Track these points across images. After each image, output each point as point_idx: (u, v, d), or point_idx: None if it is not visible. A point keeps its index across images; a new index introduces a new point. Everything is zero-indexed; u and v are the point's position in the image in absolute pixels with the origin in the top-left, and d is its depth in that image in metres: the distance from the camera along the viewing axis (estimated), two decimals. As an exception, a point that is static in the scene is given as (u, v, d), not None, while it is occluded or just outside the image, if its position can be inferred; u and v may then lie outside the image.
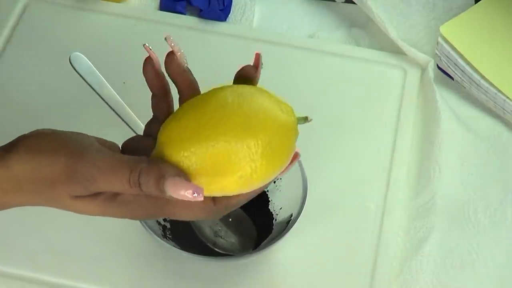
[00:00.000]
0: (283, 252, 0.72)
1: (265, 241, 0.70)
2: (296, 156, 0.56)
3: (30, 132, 0.56)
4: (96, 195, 0.54)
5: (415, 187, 0.77)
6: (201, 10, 0.88)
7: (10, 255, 0.72)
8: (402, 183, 0.77)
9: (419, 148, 0.80)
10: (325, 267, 0.72)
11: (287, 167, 0.56)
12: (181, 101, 0.57)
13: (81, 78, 0.73)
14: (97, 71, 0.72)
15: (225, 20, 0.89)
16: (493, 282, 0.72)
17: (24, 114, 0.80)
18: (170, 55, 0.57)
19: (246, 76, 0.57)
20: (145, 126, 0.59)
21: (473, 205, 0.76)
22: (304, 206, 0.68)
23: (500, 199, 0.76)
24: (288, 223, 0.68)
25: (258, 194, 0.56)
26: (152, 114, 0.59)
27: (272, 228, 0.71)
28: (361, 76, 0.85)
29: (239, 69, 0.57)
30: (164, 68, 0.57)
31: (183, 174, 0.52)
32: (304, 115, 0.56)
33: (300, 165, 0.70)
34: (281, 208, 0.72)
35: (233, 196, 0.55)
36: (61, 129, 0.56)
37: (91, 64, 0.73)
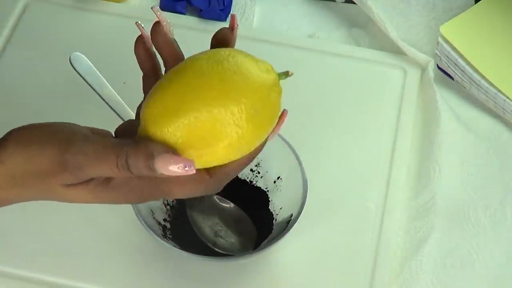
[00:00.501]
0: (283, 252, 0.72)
1: (265, 241, 0.70)
2: (284, 114, 0.55)
3: (20, 126, 0.56)
4: (88, 181, 0.53)
5: (415, 187, 0.77)
6: (201, 10, 0.89)
7: (10, 255, 0.72)
8: (402, 183, 0.77)
9: (419, 148, 0.80)
10: (325, 267, 0.72)
11: (277, 126, 0.55)
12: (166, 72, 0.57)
13: (81, 78, 0.73)
14: (97, 71, 0.72)
15: (225, 20, 0.89)
16: (493, 282, 0.72)
17: (24, 114, 0.80)
18: (156, 24, 0.57)
19: (222, 40, 0.57)
20: (137, 108, 0.59)
21: (473, 205, 0.76)
22: (304, 206, 0.68)
23: (500, 199, 0.76)
24: (288, 223, 0.68)
25: (251, 159, 0.55)
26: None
27: (272, 228, 0.71)
28: (361, 76, 0.85)
29: (213, 35, 0.57)
30: (151, 39, 0.57)
31: (172, 150, 0.51)
32: (284, 71, 0.55)
33: (300, 165, 0.70)
34: (281, 208, 0.72)
35: (226, 163, 0.54)
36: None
37: (91, 64, 0.73)
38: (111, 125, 0.69)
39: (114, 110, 0.71)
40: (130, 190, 0.54)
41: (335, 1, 0.92)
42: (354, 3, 0.90)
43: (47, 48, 0.86)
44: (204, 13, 0.88)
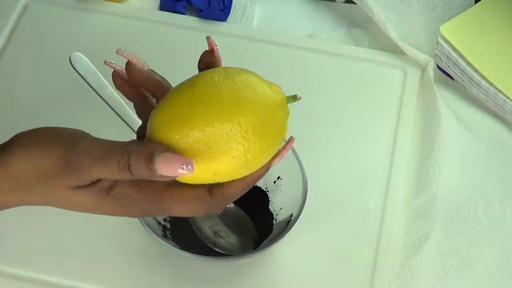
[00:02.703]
0: (283, 252, 0.72)
1: (265, 241, 0.70)
2: (291, 140, 0.56)
3: (26, 130, 0.56)
4: (91, 186, 0.53)
5: (415, 187, 0.77)
6: (201, 10, 0.89)
7: (10, 255, 0.72)
8: (402, 183, 0.77)
9: (419, 148, 0.80)
10: (325, 267, 0.72)
11: (282, 152, 0.55)
12: (158, 103, 0.57)
13: (81, 78, 0.73)
14: (97, 71, 0.73)
15: (225, 20, 0.89)
16: (493, 282, 0.72)
17: (24, 114, 0.80)
18: (128, 64, 0.57)
19: (207, 65, 0.57)
20: (137, 132, 0.59)
21: (473, 205, 0.76)
22: (304, 206, 0.68)
23: (500, 199, 0.76)
24: (288, 223, 0.68)
25: (253, 183, 0.55)
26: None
27: (272, 228, 0.71)
28: (361, 76, 0.85)
29: (199, 61, 0.57)
30: (129, 79, 0.58)
31: (173, 150, 0.51)
32: (293, 94, 0.55)
33: (300, 165, 0.70)
34: (281, 208, 0.72)
35: (228, 184, 0.54)
36: (60, 129, 0.56)
37: (91, 64, 0.73)
38: (111, 125, 0.70)
39: (114, 110, 0.71)
40: (130, 202, 0.54)
41: (335, 1, 0.92)
42: (354, 3, 0.90)
43: (47, 48, 0.86)
44: (204, 13, 0.88)
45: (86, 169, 0.52)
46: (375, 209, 0.75)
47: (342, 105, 0.82)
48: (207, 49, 0.57)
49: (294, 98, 0.55)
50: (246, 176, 0.54)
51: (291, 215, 0.69)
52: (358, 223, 0.74)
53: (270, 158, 0.55)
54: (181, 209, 0.55)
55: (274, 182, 0.73)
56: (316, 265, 0.72)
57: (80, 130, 0.56)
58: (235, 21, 0.89)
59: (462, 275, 0.72)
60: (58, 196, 0.54)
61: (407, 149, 0.79)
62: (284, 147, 0.56)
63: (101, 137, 0.55)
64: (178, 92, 0.54)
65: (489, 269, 0.72)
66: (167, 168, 0.51)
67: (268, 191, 0.73)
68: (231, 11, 0.89)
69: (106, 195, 0.54)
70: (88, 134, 0.55)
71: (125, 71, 0.58)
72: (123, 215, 0.56)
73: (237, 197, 0.56)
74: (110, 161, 0.52)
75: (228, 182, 0.54)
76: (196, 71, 0.57)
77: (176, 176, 0.52)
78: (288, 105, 0.55)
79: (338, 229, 0.74)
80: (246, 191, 0.56)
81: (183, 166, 0.51)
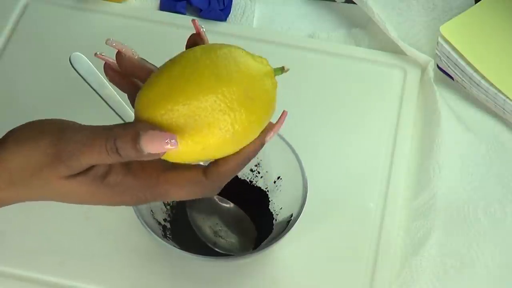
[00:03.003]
0: (283, 252, 0.72)
1: (265, 241, 0.70)
2: (283, 114, 0.55)
3: (19, 125, 0.56)
4: (84, 175, 0.53)
5: (415, 187, 0.77)
6: (201, 10, 0.89)
7: (11, 255, 0.72)
8: (402, 183, 0.77)
9: (419, 148, 0.80)
10: (325, 267, 0.72)
11: (275, 127, 0.55)
12: None
13: (81, 78, 0.73)
14: (97, 71, 0.73)
15: (225, 20, 0.89)
16: (493, 282, 0.72)
17: (24, 114, 0.79)
18: (118, 54, 0.57)
19: (194, 45, 0.57)
20: None
21: (473, 205, 0.76)
22: (304, 206, 0.68)
23: (500, 199, 0.76)
24: (288, 223, 0.68)
25: (248, 159, 0.54)
26: None
27: (272, 228, 0.71)
28: (361, 76, 0.85)
29: (186, 44, 0.57)
30: (121, 70, 0.58)
31: (158, 128, 0.51)
32: (280, 66, 0.54)
33: (300, 165, 0.70)
34: (281, 208, 0.72)
35: (222, 161, 0.54)
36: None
37: (91, 64, 0.73)
38: (111, 125, 0.70)
39: (114, 110, 0.71)
40: (125, 190, 0.54)
41: (335, 1, 0.92)
42: (354, 3, 0.90)
43: (47, 48, 0.86)
44: (204, 13, 0.88)
45: (74, 156, 0.52)
46: (375, 209, 0.75)
47: (342, 105, 0.82)
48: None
49: (282, 70, 0.54)
50: (240, 151, 0.54)
51: (291, 215, 0.69)
52: (358, 223, 0.74)
53: (260, 129, 0.54)
54: (177, 193, 0.55)
55: (274, 182, 0.73)
56: (316, 265, 0.72)
57: (67, 120, 0.55)
58: (235, 21, 0.89)
59: (462, 275, 0.72)
60: (53, 187, 0.54)
61: (407, 149, 0.79)
62: (277, 121, 0.55)
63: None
64: (161, 71, 0.53)
65: (489, 269, 0.72)
66: (152, 146, 0.50)
67: (268, 191, 0.73)
68: (231, 11, 0.89)
69: (100, 183, 0.54)
70: (75, 122, 0.55)
71: (114, 63, 0.58)
72: (119, 204, 0.56)
73: (233, 175, 0.55)
74: (98, 145, 0.52)
75: (222, 160, 0.54)
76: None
77: (164, 153, 0.52)
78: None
79: (338, 229, 0.74)
80: (241, 168, 0.55)
81: (166, 141, 0.50)
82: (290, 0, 0.92)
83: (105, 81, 0.72)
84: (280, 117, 0.55)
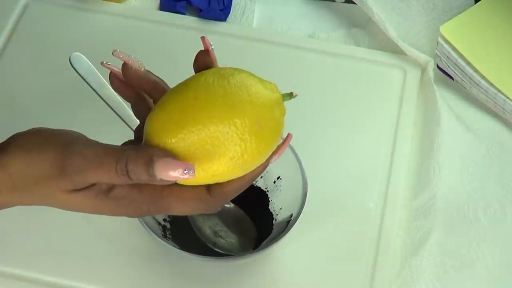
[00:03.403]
0: (283, 252, 0.72)
1: (265, 241, 0.70)
2: (288, 137, 0.56)
3: (23, 131, 0.56)
4: (88, 189, 0.53)
5: (415, 187, 0.77)
6: (201, 10, 0.88)
7: (10, 255, 0.72)
8: (402, 183, 0.77)
9: (419, 148, 0.80)
10: (325, 267, 0.72)
11: (280, 149, 0.55)
12: (155, 104, 0.57)
13: (81, 78, 0.73)
14: (97, 71, 0.72)
15: (225, 20, 0.89)
16: (493, 282, 0.72)
17: (24, 114, 0.80)
18: (124, 66, 0.57)
19: (203, 65, 0.57)
20: (134, 131, 0.59)
21: (473, 205, 0.76)
22: (304, 206, 0.68)
23: (500, 199, 0.76)
24: (288, 223, 0.68)
25: (252, 180, 0.55)
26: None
27: (272, 228, 0.71)
28: (361, 76, 0.85)
29: (194, 61, 0.57)
30: (126, 81, 0.58)
31: (172, 155, 0.51)
32: (288, 92, 0.55)
33: (300, 165, 0.70)
34: (281, 208, 0.72)
35: (227, 182, 0.54)
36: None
37: (91, 64, 0.73)
38: (111, 125, 0.70)
39: (114, 111, 0.71)
40: (130, 203, 0.54)
41: (335, 1, 0.92)
42: (354, 3, 0.90)
43: (47, 48, 0.86)
44: (204, 13, 0.88)
45: (81, 173, 0.52)
46: (375, 209, 0.75)
47: (342, 105, 0.82)
48: (203, 48, 0.57)
49: (290, 95, 0.55)
50: (245, 174, 0.54)
51: (291, 215, 0.69)
52: (358, 223, 0.74)
53: (268, 155, 0.55)
54: (181, 208, 0.55)
55: (274, 182, 0.73)
56: (316, 265, 0.72)
57: (75, 131, 0.55)
58: (235, 21, 0.89)
59: (462, 275, 0.72)
60: (56, 198, 0.54)
61: (407, 149, 0.79)
62: (282, 143, 0.55)
63: (100, 136, 0.55)
64: (173, 95, 0.54)
65: (489, 269, 0.72)
66: (167, 173, 0.51)
67: (268, 191, 0.73)
68: (231, 11, 0.89)
69: (105, 197, 0.54)
70: (83, 135, 0.55)
71: (119, 72, 0.58)
72: (123, 215, 0.56)
73: (236, 195, 0.56)
74: (106, 165, 0.52)
75: (227, 181, 0.55)
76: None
77: (176, 181, 0.52)
78: (286, 103, 0.55)
79: (338, 229, 0.74)
80: (245, 189, 0.56)
81: (185, 172, 0.51)
82: (290, 0, 0.92)
83: (105, 81, 0.72)
84: (285, 139, 0.56)
